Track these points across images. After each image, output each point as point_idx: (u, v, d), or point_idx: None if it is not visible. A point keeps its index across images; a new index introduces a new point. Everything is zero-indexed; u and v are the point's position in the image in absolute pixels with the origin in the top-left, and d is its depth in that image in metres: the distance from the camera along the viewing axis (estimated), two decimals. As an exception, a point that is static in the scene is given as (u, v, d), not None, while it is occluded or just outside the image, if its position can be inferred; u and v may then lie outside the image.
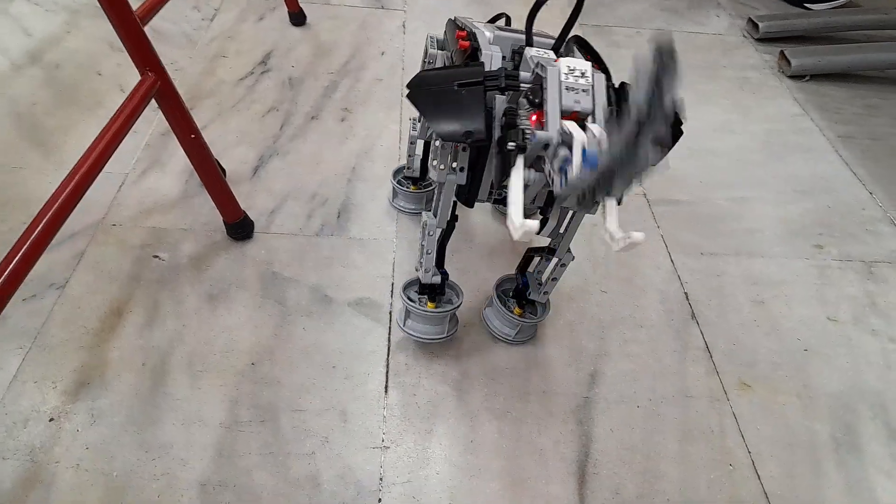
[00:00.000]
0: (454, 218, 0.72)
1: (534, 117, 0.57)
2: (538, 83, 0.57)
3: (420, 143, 0.93)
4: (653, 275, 0.95)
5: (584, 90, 0.55)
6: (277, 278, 0.88)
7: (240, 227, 0.92)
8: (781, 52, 1.44)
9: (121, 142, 0.72)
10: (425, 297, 0.77)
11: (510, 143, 0.56)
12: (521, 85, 0.59)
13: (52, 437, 0.69)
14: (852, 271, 0.99)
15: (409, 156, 0.95)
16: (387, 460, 0.71)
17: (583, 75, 0.55)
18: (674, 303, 0.91)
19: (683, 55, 1.46)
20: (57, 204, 0.64)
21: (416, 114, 0.90)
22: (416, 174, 0.97)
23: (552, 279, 0.77)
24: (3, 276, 0.56)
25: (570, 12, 0.67)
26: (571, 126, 0.52)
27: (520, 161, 0.56)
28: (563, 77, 0.55)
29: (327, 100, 1.20)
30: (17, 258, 0.58)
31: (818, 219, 1.07)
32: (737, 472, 0.73)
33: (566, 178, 0.51)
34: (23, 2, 1.39)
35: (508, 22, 0.84)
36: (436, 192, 0.71)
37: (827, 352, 0.87)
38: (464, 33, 0.72)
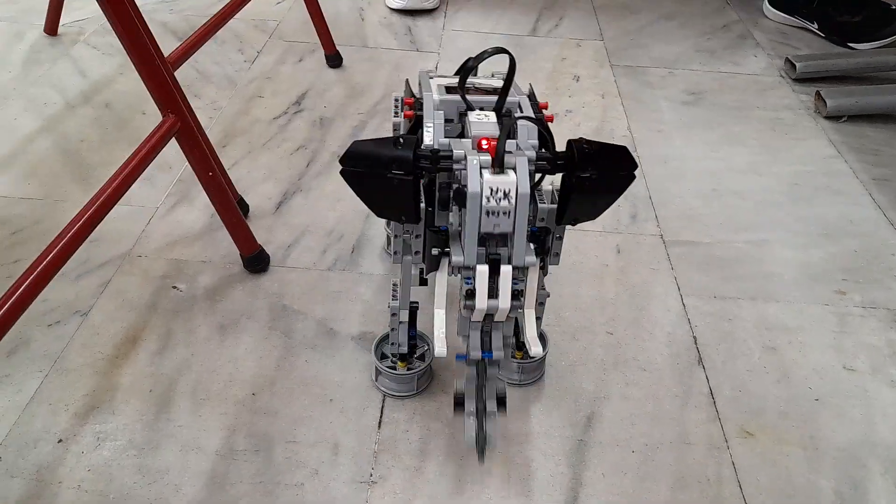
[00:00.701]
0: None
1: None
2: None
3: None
4: (662, 317, 0.94)
5: (504, 213, 0.56)
6: (287, 311, 0.91)
7: (256, 261, 0.96)
8: (817, 93, 1.41)
9: (136, 179, 0.77)
10: (395, 358, 0.80)
11: (434, 249, 0.62)
12: (454, 165, 0.58)
13: (58, 458, 0.73)
14: (875, 319, 0.96)
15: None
16: (373, 495, 0.72)
17: (506, 195, 0.55)
18: (681, 346, 0.90)
19: (716, 95, 1.45)
20: (66, 237, 0.68)
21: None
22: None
23: (536, 318, 0.77)
24: (6, 306, 0.60)
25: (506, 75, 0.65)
26: (480, 281, 0.58)
27: (444, 263, 0.63)
28: (484, 200, 0.55)
29: (355, 139, 1.23)
30: (22, 287, 0.62)
31: (842, 263, 1.04)
32: (730, 524, 0.72)
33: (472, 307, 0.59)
34: (83, 46, 1.49)
35: (511, 61, 0.84)
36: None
37: (839, 402, 0.84)
38: (411, 101, 0.70)
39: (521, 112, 0.66)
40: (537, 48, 1.60)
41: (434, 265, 0.66)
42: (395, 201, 0.60)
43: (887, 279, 1.02)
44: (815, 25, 1.69)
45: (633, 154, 1.22)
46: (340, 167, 0.59)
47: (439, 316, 0.65)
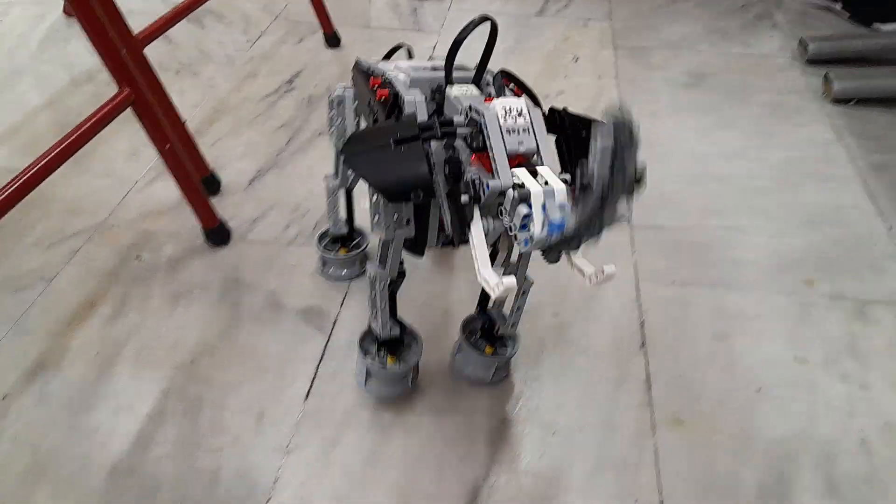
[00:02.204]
0: (403, 270, 0.72)
1: (474, 159, 0.56)
2: (474, 126, 0.56)
3: (342, 194, 0.89)
4: (612, 302, 0.92)
5: (524, 130, 0.55)
6: (239, 283, 0.94)
7: (216, 234, 0.98)
8: (826, 75, 1.35)
9: (83, 145, 0.80)
10: (384, 352, 0.76)
11: (464, 197, 0.55)
12: (458, 130, 0.57)
13: (1, 412, 0.78)
14: (840, 310, 0.92)
15: (331, 213, 0.90)
16: (287, 463, 0.74)
17: (520, 114, 0.55)
18: (626, 331, 0.88)
19: (719, 77, 1.40)
20: (8, 191, 0.71)
21: (330, 171, 0.88)
22: (344, 231, 0.93)
23: (517, 309, 0.76)
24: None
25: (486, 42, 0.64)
26: (525, 178, 0.52)
27: (477, 214, 0.55)
28: (501, 121, 0.54)
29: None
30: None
31: (819, 252, 1.00)
32: (640, 511, 0.71)
33: (530, 237, 0.51)
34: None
35: (410, 54, 0.82)
36: (380, 245, 0.69)
37: (783, 394, 0.81)
38: (378, 80, 0.68)
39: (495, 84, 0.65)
40: (542, 28, 1.58)
41: (463, 221, 0.58)
42: (409, 172, 0.56)
43: (862, 270, 0.97)
44: (839, 5, 1.61)
45: (618, 136, 1.20)
46: (343, 157, 0.61)
47: (491, 274, 0.54)
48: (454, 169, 0.55)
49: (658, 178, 1.13)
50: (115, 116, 0.84)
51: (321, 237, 0.95)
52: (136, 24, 0.94)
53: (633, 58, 1.47)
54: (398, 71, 0.68)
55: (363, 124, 0.78)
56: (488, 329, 0.80)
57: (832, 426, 0.78)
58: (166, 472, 0.73)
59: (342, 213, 0.91)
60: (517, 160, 0.55)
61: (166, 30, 1.03)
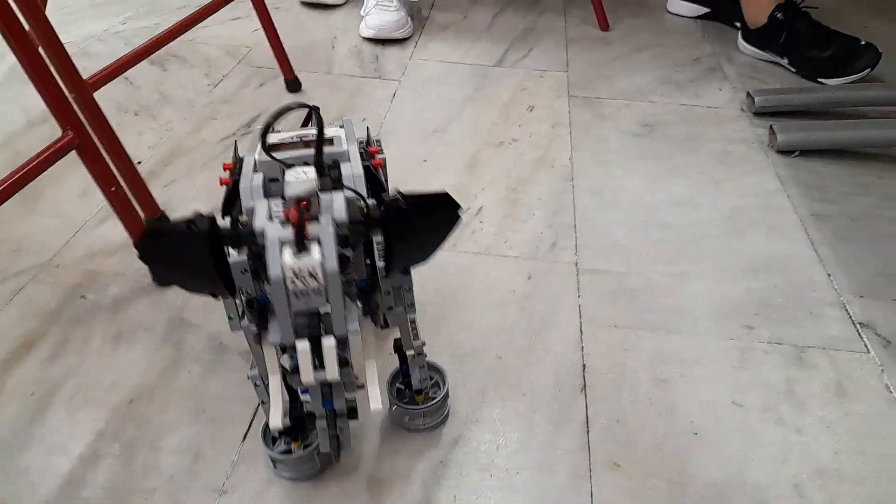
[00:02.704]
0: None
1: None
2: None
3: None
4: (555, 344, 0.93)
5: (314, 291, 0.53)
6: (184, 323, 0.93)
7: (162, 274, 0.98)
8: (771, 127, 1.40)
9: (21, 188, 0.80)
10: (288, 437, 0.74)
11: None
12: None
13: (-73, 453, 0.76)
14: (779, 355, 0.93)
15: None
16: (220, 505, 0.73)
17: (312, 275, 0.52)
18: (568, 374, 0.89)
19: (669, 127, 1.45)
20: None
21: None
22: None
23: (419, 367, 0.77)
24: None
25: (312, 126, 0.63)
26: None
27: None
28: (290, 285, 0.52)
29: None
30: None
31: (760, 299, 1.02)
32: (573, 555, 0.70)
33: None
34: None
35: (317, 117, 0.80)
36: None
37: (718, 439, 0.82)
38: (230, 166, 0.65)
39: (349, 161, 0.61)
40: (500, 78, 1.62)
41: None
42: (200, 274, 0.55)
43: (801, 316, 1.00)
44: (786, 60, 1.68)
45: (569, 183, 1.23)
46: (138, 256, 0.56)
47: (273, 383, 0.61)
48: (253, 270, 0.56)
49: (607, 225, 1.16)
50: (58, 159, 0.85)
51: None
52: (98, 67, 0.95)
53: (586, 107, 1.51)
54: (255, 152, 0.62)
55: None
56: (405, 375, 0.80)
57: (766, 471, 0.79)
58: (94, 516, 0.71)
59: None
60: None
61: (119, 74, 1.04)
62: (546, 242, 1.12)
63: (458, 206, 0.59)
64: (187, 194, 1.18)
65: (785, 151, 1.38)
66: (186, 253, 0.54)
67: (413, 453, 0.79)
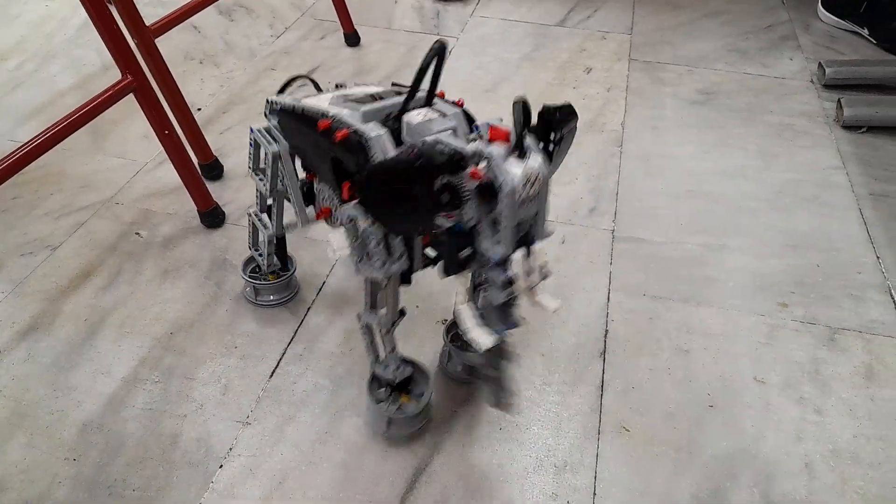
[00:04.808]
0: (402, 307, 0.72)
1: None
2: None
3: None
4: (581, 309, 0.94)
5: (533, 198, 0.56)
6: (226, 264, 0.99)
7: (210, 216, 1.04)
8: (839, 101, 1.34)
9: (85, 124, 0.86)
10: (396, 394, 0.76)
11: (465, 251, 0.59)
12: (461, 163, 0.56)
13: (-9, 366, 0.84)
14: (810, 335, 0.92)
15: (261, 253, 0.89)
16: (243, 434, 0.78)
17: (534, 183, 0.55)
18: (589, 339, 0.90)
19: (729, 97, 1.40)
20: (6, 163, 0.78)
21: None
22: (277, 267, 0.92)
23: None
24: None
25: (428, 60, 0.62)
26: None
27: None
28: (520, 191, 0.54)
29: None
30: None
31: (798, 277, 1.00)
32: (571, 510, 0.73)
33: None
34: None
35: (315, 84, 0.83)
36: (368, 288, 0.70)
37: (733, 412, 0.82)
38: (328, 122, 0.65)
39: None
40: (560, 38, 1.60)
41: (459, 268, 0.62)
42: (416, 212, 0.57)
43: (840, 297, 0.97)
44: (867, 31, 1.59)
45: (617, 149, 1.22)
46: (359, 198, 0.57)
47: (467, 312, 0.62)
48: (453, 197, 0.56)
49: (649, 192, 1.15)
50: (115, 102, 0.90)
51: (246, 264, 0.93)
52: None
53: (646, 72, 1.48)
54: (335, 106, 0.67)
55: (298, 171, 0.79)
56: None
57: (778, 447, 0.79)
58: (132, 432, 0.78)
59: (272, 258, 0.89)
60: None
61: (180, 22, 1.09)
62: (585, 207, 1.12)
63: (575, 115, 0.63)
64: (241, 142, 1.23)
65: (851, 127, 1.32)
66: (413, 192, 0.55)
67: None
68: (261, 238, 0.87)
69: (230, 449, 0.77)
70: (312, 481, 0.74)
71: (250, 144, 0.80)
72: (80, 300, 0.93)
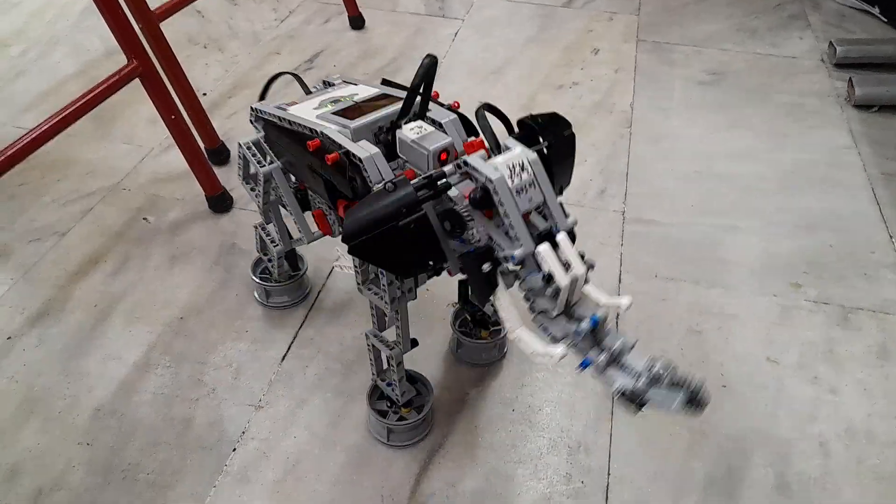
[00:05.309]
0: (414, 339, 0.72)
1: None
2: (467, 176, 0.54)
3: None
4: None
5: (529, 184, 0.53)
6: (235, 249, 0.98)
7: (218, 201, 1.03)
8: (850, 80, 1.32)
9: (91, 110, 0.86)
10: (398, 406, 0.75)
11: (486, 266, 0.54)
12: (449, 182, 0.55)
13: (2, 352, 0.84)
14: (824, 315, 0.91)
15: (271, 259, 0.86)
16: (256, 418, 0.78)
17: (523, 168, 0.53)
18: (601, 320, 0.89)
19: (739, 77, 1.39)
20: (12, 150, 0.77)
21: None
22: (289, 272, 0.90)
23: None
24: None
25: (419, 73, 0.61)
26: (553, 265, 0.52)
27: (501, 281, 0.56)
28: (509, 182, 0.52)
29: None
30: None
31: (811, 257, 0.99)
32: (586, 491, 0.72)
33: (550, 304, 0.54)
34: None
35: (300, 81, 0.82)
36: (374, 309, 0.70)
37: (748, 392, 0.82)
38: (317, 142, 0.62)
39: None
40: (567, 19, 1.58)
41: (489, 287, 0.57)
42: (417, 248, 0.55)
43: (853, 276, 0.96)
44: (878, 9, 1.57)
45: (626, 130, 1.21)
46: (347, 247, 0.54)
47: (526, 334, 0.56)
48: (455, 222, 0.54)
49: (659, 174, 1.14)
50: (122, 87, 0.90)
51: (255, 265, 0.91)
52: None
53: (654, 53, 1.46)
54: (324, 119, 0.65)
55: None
56: (480, 317, 0.83)
57: (792, 427, 0.78)
58: (144, 417, 0.78)
59: (283, 263, 0.87)
60: (526, 215, 0.54)
61: (185, 5, 1.08)
62: (595, 189, 1.11)
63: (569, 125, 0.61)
64: (248, 126, 1.21)
65: (863, 106, 1.30)
66: (406, 230, 0.53)
67: (436, 386, 0.82)
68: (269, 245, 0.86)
69: (243, 432, 0.77)
70: (326, 464, 0.74)
71: (239, 157, 0.78)
72: (90, 286, 0.93)
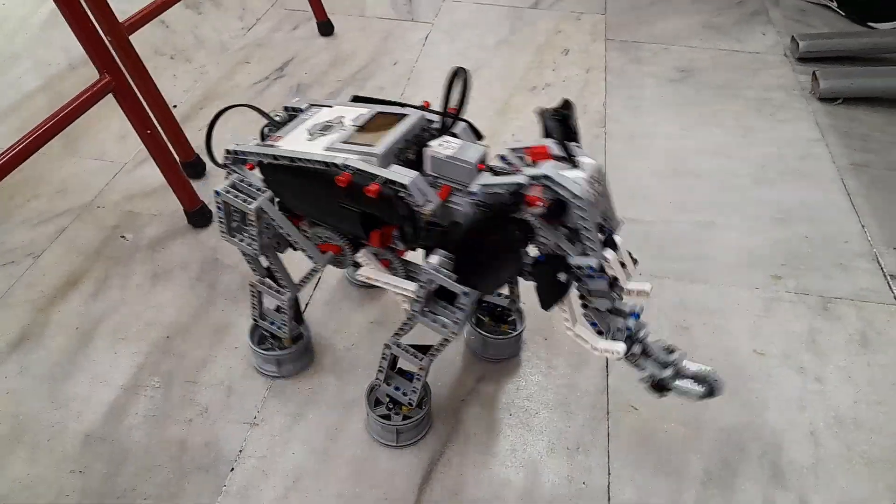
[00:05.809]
0: None
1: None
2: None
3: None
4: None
5: (603, 195, 0.56)
6: (217, 264, 0.97)
7: (197, 216, 1.02)
8: (814, 73, 1.36)
9: (65, 128, 0.83)
10: (398, 405, 0.75)
11: (562, 275, 0.58)
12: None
13: (-18, 381, 0.81)
14: (804, 306, 0.93)
15: (273, 323, 0.80)
16: (252, 435, 0.77)
17: (599, 183, 0.56)
18: (590, 320, 0.90)
19: (707, 74, 1.41)
20: None
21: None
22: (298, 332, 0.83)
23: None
24: None
25: (453, 84, 0.65)
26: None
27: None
28: (591, 198, 0.54)
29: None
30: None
31: (788, 249, 1.02)
32: (587, 491, 0.73)
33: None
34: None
35: (261, 112, 0.76)
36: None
37: (737, 385, 0.83)
38: (348, 176, 0.59)
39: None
40: (536, 20, 1.59)
41: (560, 291, 0.60)
42: (504, 262, 0.61)
43: (829, 267, 0.99)
44: (835, 3, 1.61)
45: (601, 129, 1.22)
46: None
47: (584, 331, 0.63)
48: (526, 232, 0.57)
49: (636, 172, 1.15)
50: (96, 102, 0.88)
51: (252, 334, 0.82)
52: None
53: (623, 51, 1.48)
54: (331, 149, 0.62)
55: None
56: (499, 313, 0.85)
57: (783, 417, 0.80)
58: (137, 441, 0.76)
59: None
60: None
61: (154, 17, 1.06)
62: (574, 189, 1.12)
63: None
64: (222, 138, 1.20)
65: (828, 99, 1.34)
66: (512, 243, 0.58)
67: (437, 394, 0.81)
68: (266, 306, 0.81)
69: (240, 451, 0.75)
70: (327, 479, 0.73)
71: (219, 208, 0.72)
72: (69, 308, 0.90)
